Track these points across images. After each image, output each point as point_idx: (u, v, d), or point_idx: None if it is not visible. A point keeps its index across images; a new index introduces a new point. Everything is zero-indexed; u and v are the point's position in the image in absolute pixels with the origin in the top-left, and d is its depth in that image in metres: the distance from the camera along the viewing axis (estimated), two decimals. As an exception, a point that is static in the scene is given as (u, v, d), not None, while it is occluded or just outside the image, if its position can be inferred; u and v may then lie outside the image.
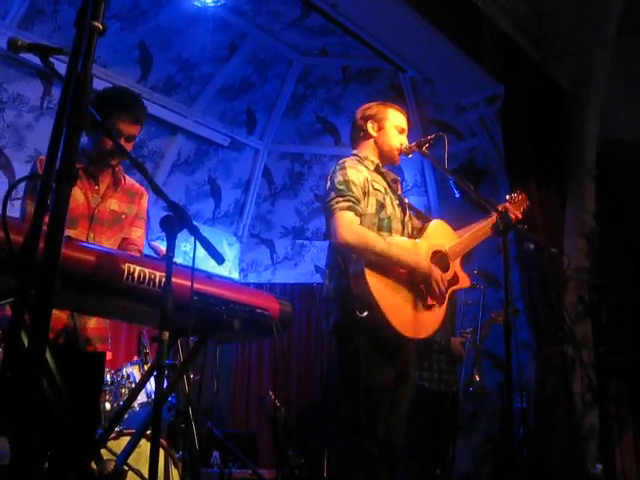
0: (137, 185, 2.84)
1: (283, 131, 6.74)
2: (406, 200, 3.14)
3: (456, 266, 2.94)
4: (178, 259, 2.59)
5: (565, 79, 5.74)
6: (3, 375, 1.30)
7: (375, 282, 2.67)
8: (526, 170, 5.14)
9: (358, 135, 3.14)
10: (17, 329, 1.32)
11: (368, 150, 3.08)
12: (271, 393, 5.07)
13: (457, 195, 3.03)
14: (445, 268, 2.91)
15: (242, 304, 2.20)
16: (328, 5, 4.46)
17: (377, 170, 3.01)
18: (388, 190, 2.99)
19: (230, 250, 6.95)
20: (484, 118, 5.50)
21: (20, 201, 2.54)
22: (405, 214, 3.03)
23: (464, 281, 2.97)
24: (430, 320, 2.80)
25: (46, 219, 1.30)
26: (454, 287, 2.91)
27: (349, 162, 2.93)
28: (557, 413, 4.73)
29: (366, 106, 3.15)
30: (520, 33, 5.56)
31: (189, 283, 1.99)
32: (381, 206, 2.88)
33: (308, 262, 6.95)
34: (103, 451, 2.85)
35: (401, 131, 3.09)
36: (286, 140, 6.83)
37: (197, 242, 1.89)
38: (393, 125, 3.07)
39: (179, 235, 1.95)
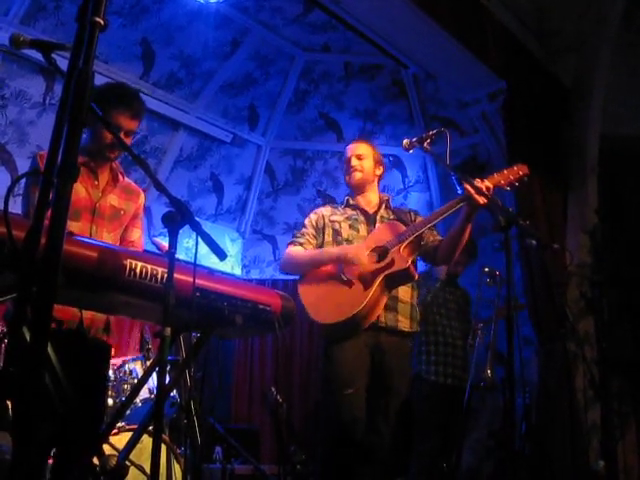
0: (134, 184, 2.88)
1: (285, 127, 6.72)
2: (394, 216, 3.42)
3: (394, 253, 3.12)
4: (180, 255, 2.59)
5: (567, 75, 5.72)
6: (6, 371, 1.30)
7: (303, 288, 3.21)
8: (528, 166, 5.12)
9: None
10: (19, 325, 1.32)
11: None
12: (273, 389, 5.07)
13: (459, 191, 3.03)
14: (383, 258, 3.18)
15: (244, 300, 2.21)
16: (331, 1, 4.46)
17: (347, 204, 3.45)
18: (356, 216, 3.38)
19: (232, 246, 6.95)
20: (486, 114, 5.49)
21: (20, 197, 2.54)
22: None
23: (399, 263, 3.10)
24: (350, 299, 3.07)
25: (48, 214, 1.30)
26: (388, 271, 3.09)
27: (317, 209, 3.47)
28: (559, 409, 4.72)
29: None
30: (522, 29, 5.55)
31: (191, 279, 1.99)
32: (336, 233, 3.33)
33: (310, 259, 6.93)
34: (105, 447, 2.87)
35: (347, 161, 3.45)
36: (288, 136, 6.81)
37: (199, 238, 1.90)
38: (345, 162, 3.48)
39: (181, 231, 1.95)
